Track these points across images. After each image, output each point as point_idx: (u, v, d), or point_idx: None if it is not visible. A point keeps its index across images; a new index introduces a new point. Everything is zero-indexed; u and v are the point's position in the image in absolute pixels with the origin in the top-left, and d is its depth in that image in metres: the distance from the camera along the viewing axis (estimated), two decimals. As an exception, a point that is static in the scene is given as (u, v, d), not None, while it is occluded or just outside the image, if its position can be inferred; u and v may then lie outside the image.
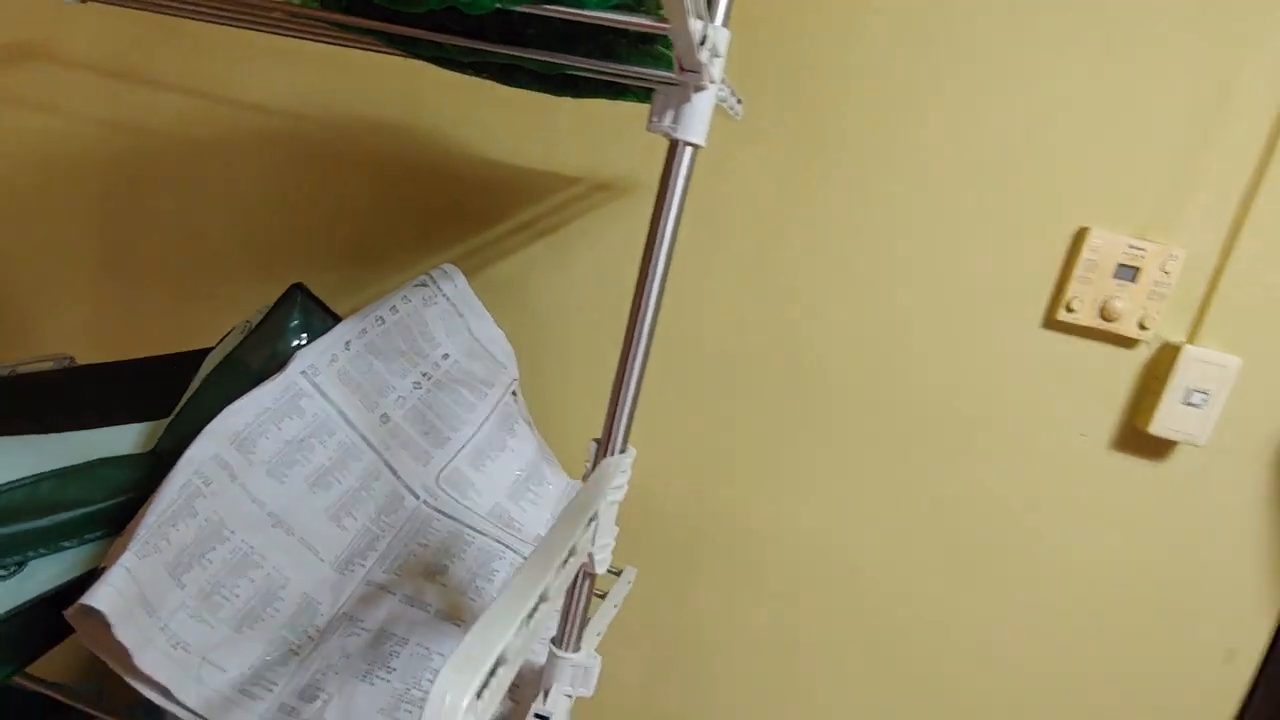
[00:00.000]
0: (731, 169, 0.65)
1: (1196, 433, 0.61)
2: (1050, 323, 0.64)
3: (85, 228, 0.77)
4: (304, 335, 0.51)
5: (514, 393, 0.60)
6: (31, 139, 0.75)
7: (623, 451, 0.37)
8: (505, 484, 0.55)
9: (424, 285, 0.58)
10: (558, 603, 0.38)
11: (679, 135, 0.34)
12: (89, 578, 0.41)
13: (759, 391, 0.69)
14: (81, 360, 0.67)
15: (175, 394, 0.54)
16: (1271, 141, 0.58)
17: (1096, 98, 0.60)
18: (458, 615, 0.45)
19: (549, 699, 0.38)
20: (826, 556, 0.71)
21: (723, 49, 0.32)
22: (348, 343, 0.50)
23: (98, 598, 0.33)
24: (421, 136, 0.71)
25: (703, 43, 0.30)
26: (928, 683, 0.72)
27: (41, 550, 0.42)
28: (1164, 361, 0.62)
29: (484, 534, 0.51)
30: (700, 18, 0.30)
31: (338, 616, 0.43)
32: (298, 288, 0.52)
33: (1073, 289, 0.62)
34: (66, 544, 0.42)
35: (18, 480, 0.43)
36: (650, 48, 0.41)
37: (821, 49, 0.63)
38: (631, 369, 0.36)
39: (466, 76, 0.44)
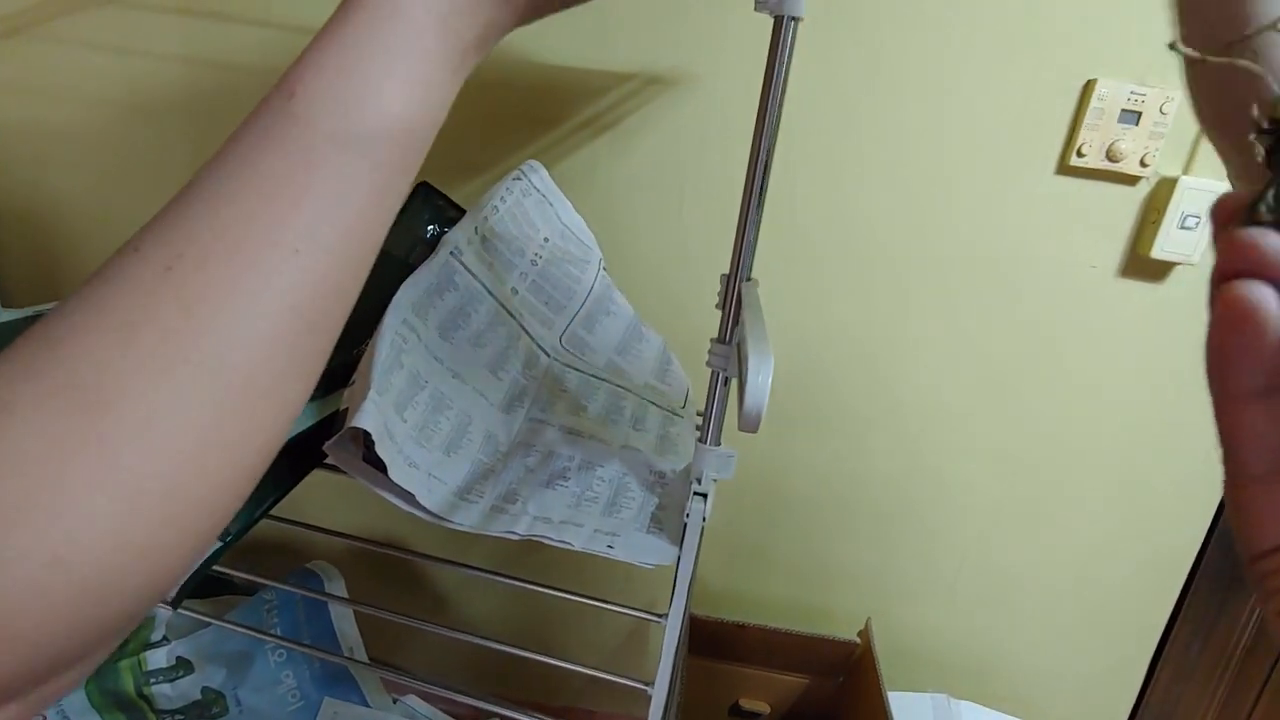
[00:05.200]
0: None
1: (1191, 253, 0.71)
2: (1063, 168, 0.72)
3: (173, 163, 0.83)
4: (434, 225, 0.59)
5: (604, 268, 0.69)
6: (114, 82, 0.80)
7: (748, 280, 0.46)
8: (613, 343, 0.65)
9: (519, 179, 0.65)
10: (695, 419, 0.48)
11: (785, 11, 0.41)
12: (322, 426, 0.50)
13: (816, 253, 0.78)
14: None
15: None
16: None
17: (1102, -43, 0.67)
18: (603, 437, 0.55)
19: (702, 482, 0.48)
20: (878, 383, 0.82)
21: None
22: (476, 228, 0.58)
23: (364, 421, 0.43)
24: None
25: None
26: (956, 488, 0.85)
27: (270, 411, 0.51)
28: (1162, 193, 0.71)
29: (606, 381, 0.61)
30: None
31: (514, 444, 0.53)
32: (425, 185, 0.60)
33: (1082, 136, 0.70)
34: (288, 405, 0.51)
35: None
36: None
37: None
38: (750, 208, 0.44)
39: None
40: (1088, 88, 0.70)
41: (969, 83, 0.71)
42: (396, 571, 1.02)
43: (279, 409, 0.26)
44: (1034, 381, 0.80)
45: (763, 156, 0.42)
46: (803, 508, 0.90)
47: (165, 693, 0.68)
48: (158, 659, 0.68)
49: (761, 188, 0.44)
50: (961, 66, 0.71)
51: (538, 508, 0.49)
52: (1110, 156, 0.70)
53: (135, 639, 0.70)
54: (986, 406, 0.81)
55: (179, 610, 0.70)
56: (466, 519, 0.47)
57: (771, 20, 0.43)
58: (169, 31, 0.79)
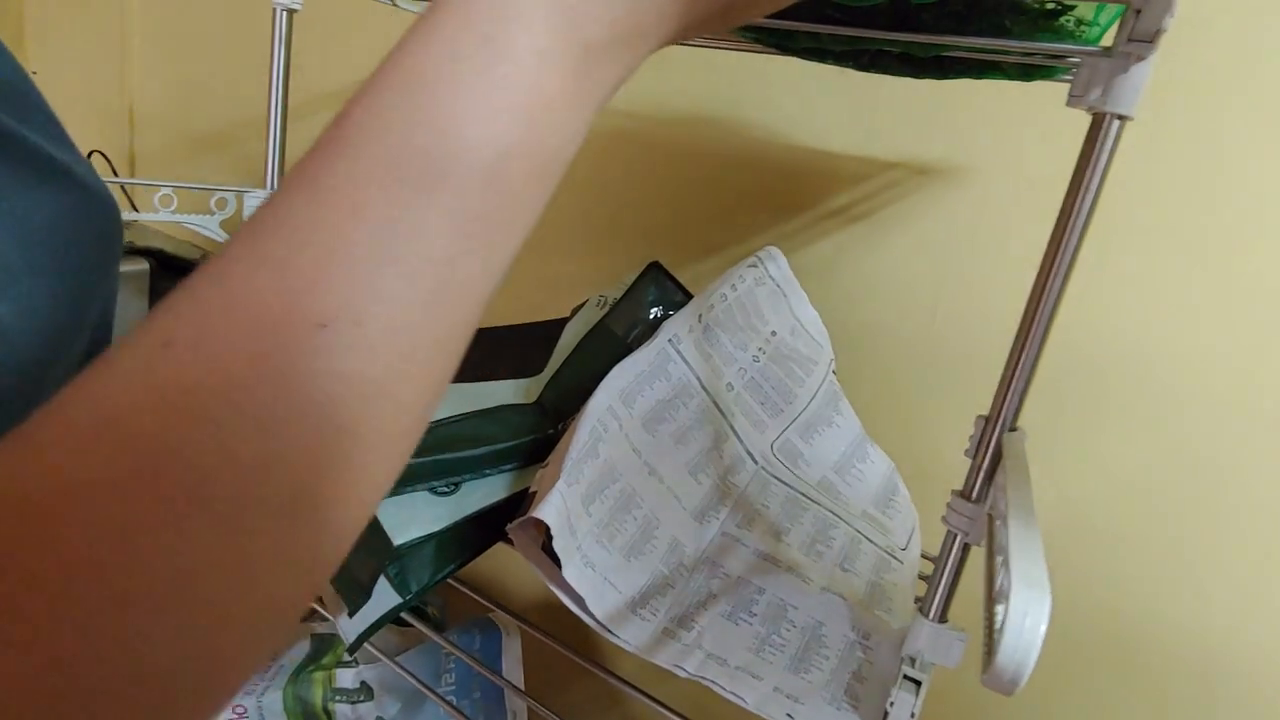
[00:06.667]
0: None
1: None
2: None
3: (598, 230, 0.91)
4: (659, 307, 0.57)
5: (833, 371, 0.62)
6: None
7: (1013, 429, 0.37)
8: (832, 458, 0.57)
9: (754, 266, 0.62)
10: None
11: (1109, 109, 0.33)
12: (513, 500, 0.50)
13: (1102, 392, 0.64)
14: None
15: (540, 354, 0.63)
16: None
17: None
18: (803, 572, 0.48)
19: (916, 665, 0.39)
20: (1171, 555, 0.65)
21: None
22: (700, 315, 0.55)
23: (546, 513, 0.40)
24: (740, 128, 0.75)
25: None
26: None
27: (469, 475, 0.51)
28: None
29: (817, 503, 0.54)
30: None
31: (701, 559, 0.48)
32: (655, 265, 0.58)
33: None
34: (489, 471, 0.51)
35: (451, 417, 0.54)
36: (1052, 22, 0.40)
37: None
38: (1028, 342, 0.36)
39: (788, 68, 0.46)
40: None
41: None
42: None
43: (290, 543, 0.17)
44: None
45: (1055, 282, 0.34)
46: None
47: (345, 713, 0.71)
48: (346, 678, 0.72)
49: (1048, 319, 0.35)
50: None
51: (713, 643, 0.43)
52: None
53: (332, 652, 0.75)
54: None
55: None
56: (634, 638, 0.42)
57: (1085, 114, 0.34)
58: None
